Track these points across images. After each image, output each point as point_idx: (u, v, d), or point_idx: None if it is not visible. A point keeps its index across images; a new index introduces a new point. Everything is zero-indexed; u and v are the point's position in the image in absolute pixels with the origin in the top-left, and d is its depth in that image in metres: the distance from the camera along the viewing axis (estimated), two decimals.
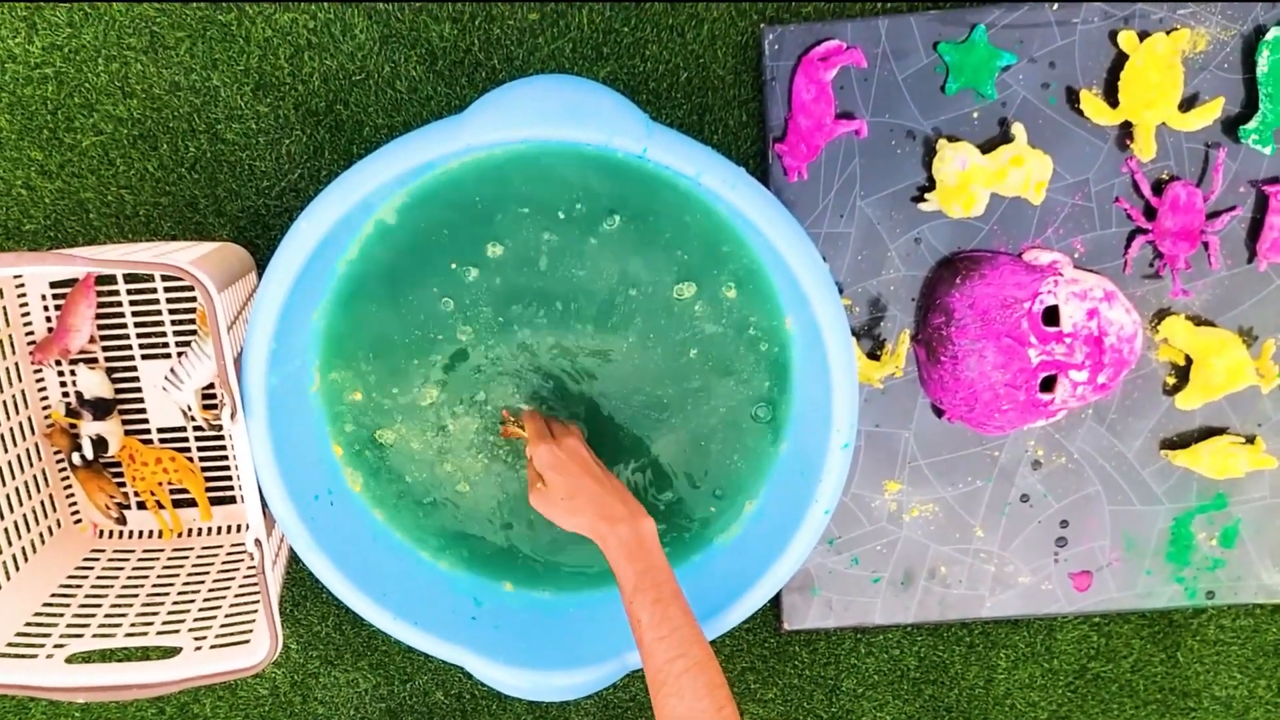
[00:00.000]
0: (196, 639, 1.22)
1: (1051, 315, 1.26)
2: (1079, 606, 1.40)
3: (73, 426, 1.35)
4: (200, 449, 1.41)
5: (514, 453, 1.27)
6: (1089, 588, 1.40)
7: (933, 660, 1.49)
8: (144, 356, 1.37)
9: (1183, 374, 1.34)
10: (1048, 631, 1.47)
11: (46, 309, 1.35)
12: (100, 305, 1.34)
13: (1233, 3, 1.23)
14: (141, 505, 1.42)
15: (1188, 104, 1.26)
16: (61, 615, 1.27)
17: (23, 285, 1.33)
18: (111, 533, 1.43)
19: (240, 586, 1.32)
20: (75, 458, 1.35)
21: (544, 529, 1.30)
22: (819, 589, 1.40)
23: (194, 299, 1.34)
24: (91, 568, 1.36)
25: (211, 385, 1.35)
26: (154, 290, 1.34)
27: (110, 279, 1.34)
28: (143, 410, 1.39)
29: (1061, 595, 1.40)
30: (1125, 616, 1.46)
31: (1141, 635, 1.47)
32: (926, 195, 1.29)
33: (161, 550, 1.39)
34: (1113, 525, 1.38)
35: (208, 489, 1.42)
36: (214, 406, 1.36)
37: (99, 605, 1.29)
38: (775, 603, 1.43)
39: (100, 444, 1.35)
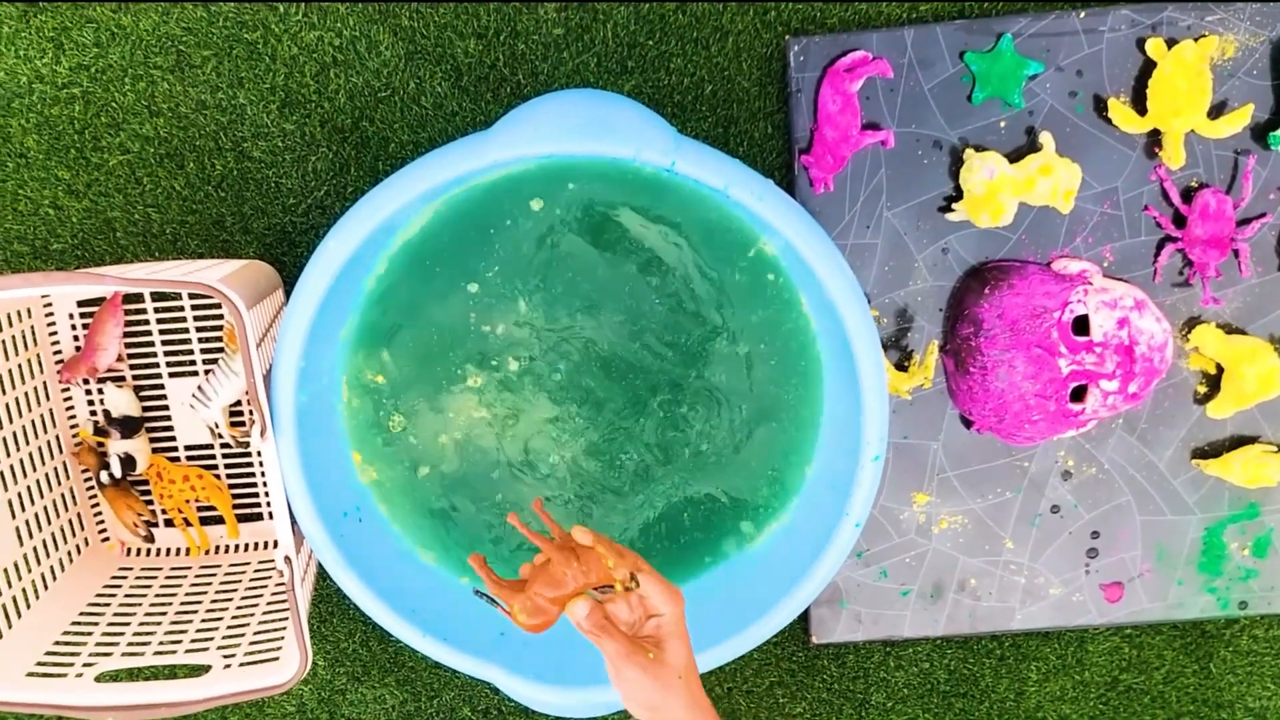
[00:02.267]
0: (225, 657, 1.22)
1: (1081, 325, 1.26)
2: (1110, 618, 1.40)
3: (100, 445, 1.36)
4: (227, 466, 1.41)
5: (542, 466, 1.27)
6: (1120, 599, 1.39)
7: (963, 673, 1.48)
8: (171, 374, 1.37)
9: (1214, 382, 1.33)
10: (1079, 643, 1.46)
11: (74, 328, 1.35)
12: (128, 324, 1.34)
13: (1262, 6, 1.23)
14: (169, 523, 1.42)
15: (1216, 111, 1.25)
16: (90, 634, 1.26)
17: (50, 305, 1.34)
18: (139, 551, 1.43)
19: (268, 604, 1.31)
20: (103, 476, 1.35)
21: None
22: (848, 602, 1.40)
23: (221, 317, 1.34)
24: (119, 586, 1.36)
25: (238, 403, 1.35)
26: (181, 309, 1.34)
27: (138, 297, 1.34)
28: (170, 428, 1.39)
29: (1093, 607, 1.39)
30: (1157, 628, 1.45)
31: (1174, 646, 1.46)
32: (954, 205, 1.28)
33: (189, 568, 1.39)
34: (1144, 536, 1.37)
35: (235, 506, 1.42)
36: (241, 424, 1.37)
37: (127, 624, 1.29)
38: (803, 616, 1.42)
39: (128, 462, 1.35)
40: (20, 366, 1.29)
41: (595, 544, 0.88)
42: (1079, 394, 1.28)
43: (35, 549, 1.28)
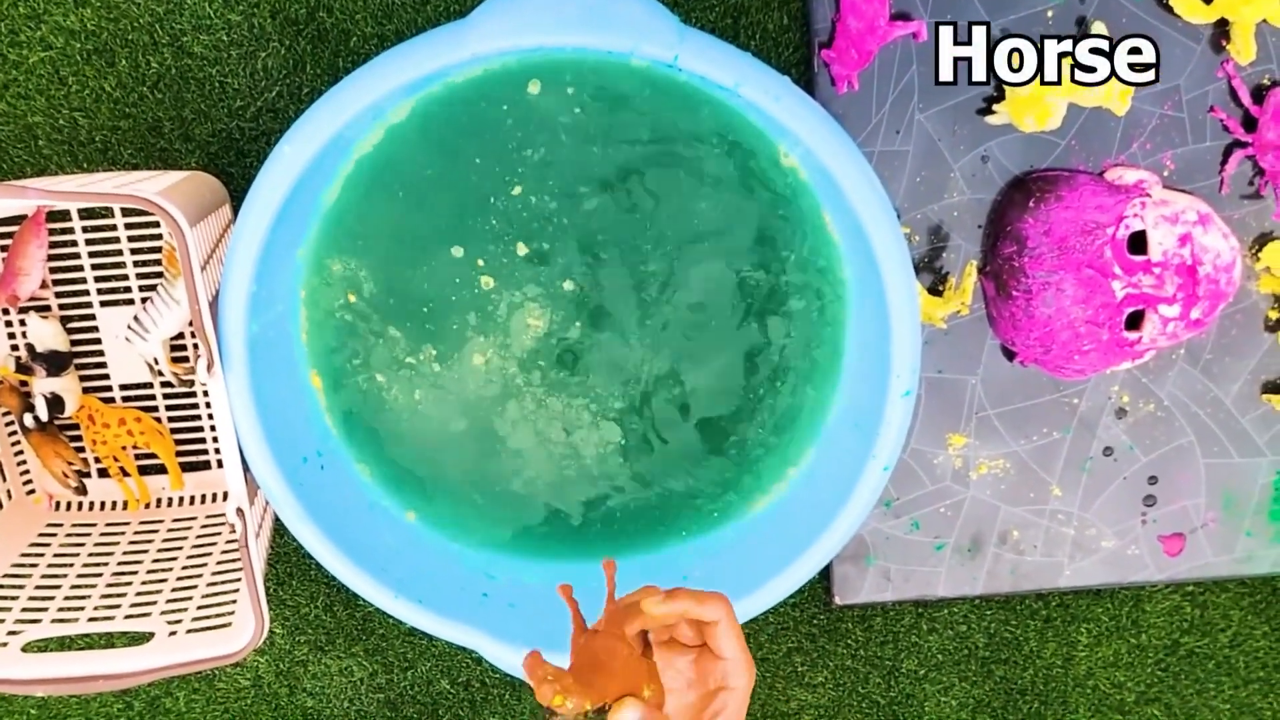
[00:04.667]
0: (170, 623, 1.21)
1: (1138, 242, 1.27)
2: (1170, 574, 1.41)
3: (23, 384, 1.36)
4: (169, 408, 1.41)
5: (528, 393, 1.28)
6: (1181, 552, 1.41)
7: (1004, 637, 1.50)
8: (104, 303, 1.36)
9: None
10: (1135, 602, 1.48)
11: None
12: (52, 245, 1.34)
13: None
14: (103, 472, 1.43)
15: None
16: (15, 598, 1.25)
17: None
18: (70, 504, 1.43)
19: (218, 563, 1.31)
20: (27, 419, 1.35)
21: (534, 471, 1.32)
22: (875, 558, 1.41)
23: (159, 236, 1.34)
24: (48, 544, 1.35)
25: (180, 335, 1.36)
26: (114, 227, 1.33)
27: (63, 215, 1.33)
28: (103, 364, 1.39)
29: (1150, 561, 1.41)
30: (1223, 584, 1.47)
31: (1241, 605, 1.48)
32: (995, 107, 1.29)
33: (127, 523, 1.39)
34: (1208, 481, 1.38)
35: (178, 453, 1.42)
36: (184, 359, 1.37)
37: (58, 587, 1.28)
38: (825, 574, 1.44)
39: (55, 403, 1.35)
40: None
41: (671, 606, 0.73)
42: (1135, 320, 1.29)
43: None
